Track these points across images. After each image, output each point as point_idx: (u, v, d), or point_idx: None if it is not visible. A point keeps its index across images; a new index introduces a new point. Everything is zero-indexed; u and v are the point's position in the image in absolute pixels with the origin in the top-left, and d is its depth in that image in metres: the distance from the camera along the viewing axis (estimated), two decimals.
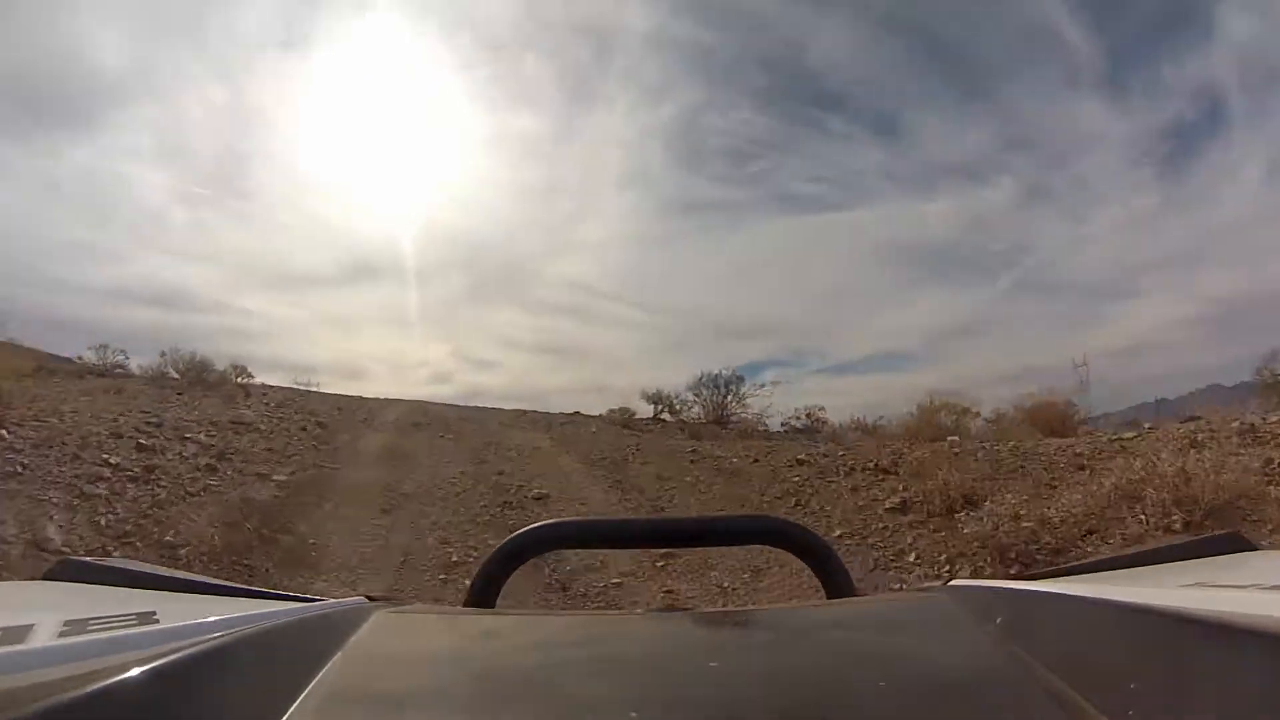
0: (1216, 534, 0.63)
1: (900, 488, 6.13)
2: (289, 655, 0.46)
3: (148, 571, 0.68)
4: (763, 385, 11.86)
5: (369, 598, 0.69)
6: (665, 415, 11.99)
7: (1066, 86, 22.69)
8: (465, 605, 0.82)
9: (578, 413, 11.88)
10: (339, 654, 0.46)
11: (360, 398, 12.29)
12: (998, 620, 0.49)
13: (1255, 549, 0.61)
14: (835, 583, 0.84)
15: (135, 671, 0.35)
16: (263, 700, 0.38)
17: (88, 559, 0.68)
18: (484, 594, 0.83)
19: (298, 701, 0.39)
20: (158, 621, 0.48)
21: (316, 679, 0.42)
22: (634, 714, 0.37)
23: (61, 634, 0.41)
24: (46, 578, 0.64)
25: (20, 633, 0.40)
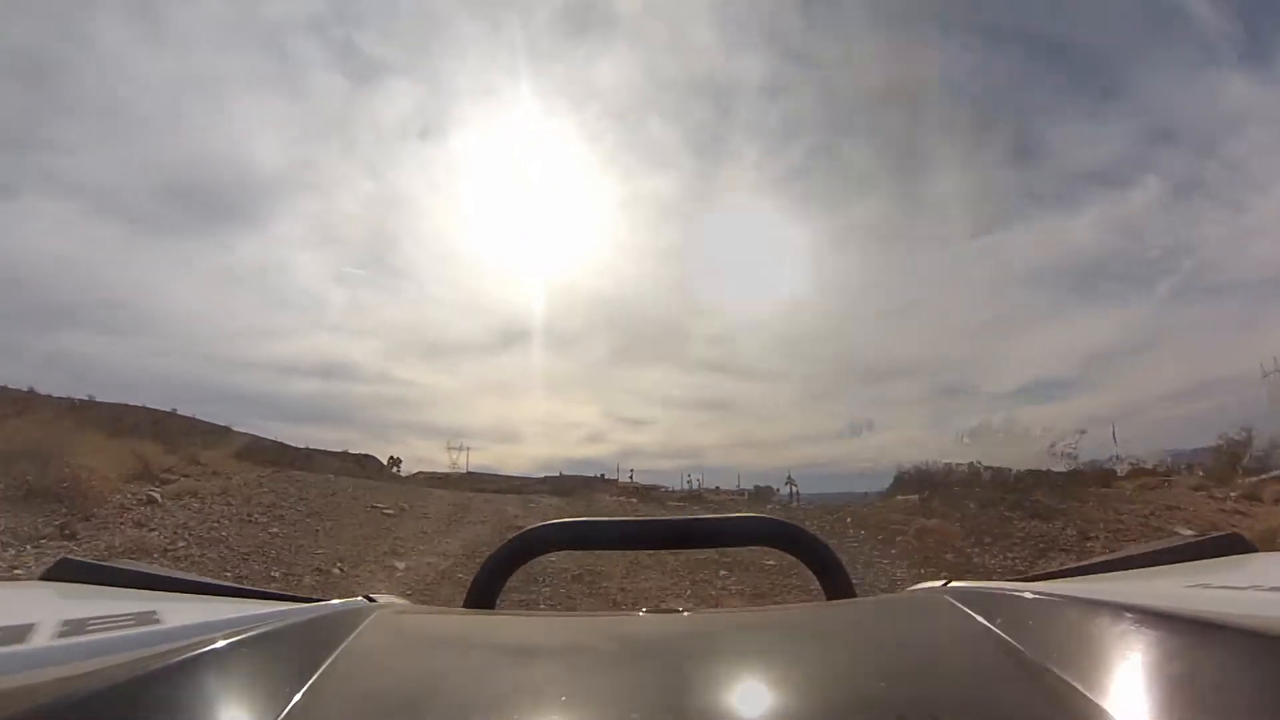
0: (1217, 535, 0.63)
1: None
2: (288, 655, 0.46)
3: (147, 572, 0.68)
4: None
5: (369, 598, 0.69)
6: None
7: (1201, 65, 20.67)
8: (465, 606, 0.82)
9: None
10: (338, 654, 0.46)
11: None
12: (997, 622, 0.49)
13: (1255, 550, 0.61)
14: (835, 584, 0.83)
15: (134, 672, 0.35)
16: (262, 700, 0.38)
17: (87, 559, 0.67)
18: (484, 595, 0.83)
19: (297, 701, 0.38)
20: (157, 622, 0.47)
21: (316, 679, 0.41)
22: (634, 715, 0.37)
23: (60, 634, 0.41)
24: (45, 578, 0.64)
25: (19, 633, 0.40)
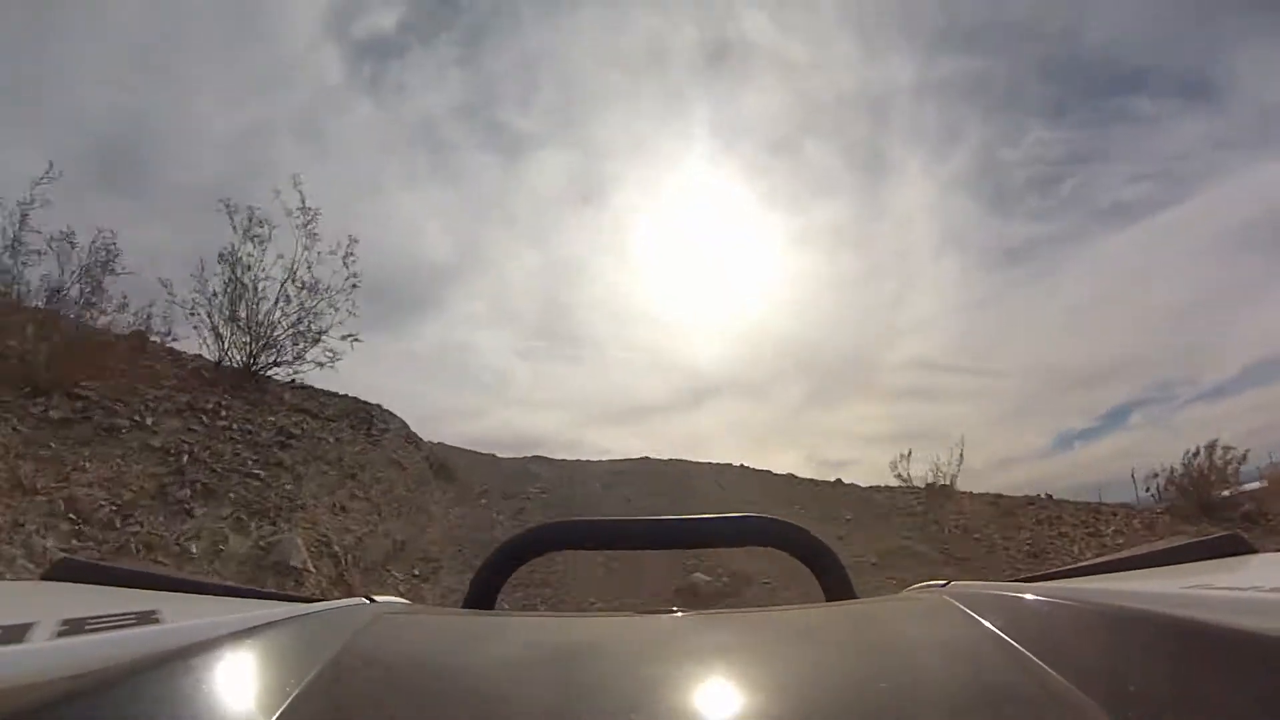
0: (1217, 535, 0.63)
1: None
2: (287, 655, 0.46)
3: (147, 571, 0.66)
4: None
5: (369, 598, 0.69)
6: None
7: None
8: (464, 606, 0.82)
9: None
10: (337, 654, 0.46)
11: None
12: (997, 623, 0.49)
13: (1255, 551, 0.61)
14: (835, 585, 0.83)
15: (133, 671, 0.35)
16: (260, 700, 0.38)
17: (87, 559, 0.68)
18: (483, 595, 0.82)
19: (295, 701, 0.38)
20: (157, 621, 0.47)
21: (315, 679, 0.41)
22: (633, 716, 0.37)
23: (60, 634, 0.41)
24: (45, 578, 0.63)
25: (18, 632, 0.40)
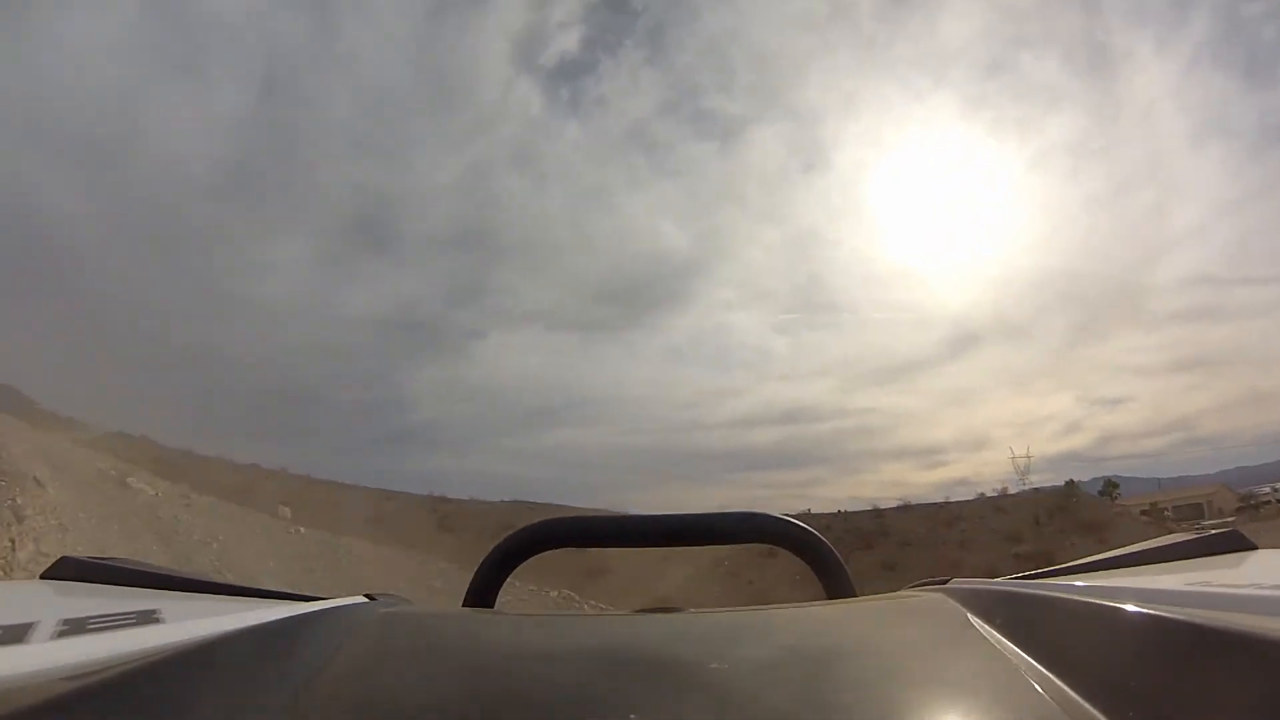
0: (1217, 533, 0.63)
1: None
2: (288, 654, 0.46)
3: (148, 570, 0.67)
4: None
5: (369, 596, 0.69)
6: None
7: None
8: (464, 605, 0.82)
9: None
10: (337, 653, 0.46)
11: None
12: (995, 621, 0.49)
13: (1255, 549, 0.60)
14: (835, 582, 0.83)
15: (134, 670, 0.34)
16: (261, 699, 0.38)
17: (88, 558, 0.67)
18: (483, 594, 0.82)
19: (296, 700, 0.38)
20: (158, 620, 0.47)
21: (315, 678, 0.41)
22: (633, 715, 0.37)
23: (60, 633, 0.41)
24: (46, 576, 0.63)
25: (19, 631, 0.40)
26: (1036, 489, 17.33)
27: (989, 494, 17.35)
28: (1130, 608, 0.41)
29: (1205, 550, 0.61)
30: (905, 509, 17.80)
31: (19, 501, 6.40)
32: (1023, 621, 0.48)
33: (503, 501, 22.55)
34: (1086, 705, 0.35)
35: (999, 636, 0.47)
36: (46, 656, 0.37)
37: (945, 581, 0.68)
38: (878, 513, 18.27)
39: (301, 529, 8.60)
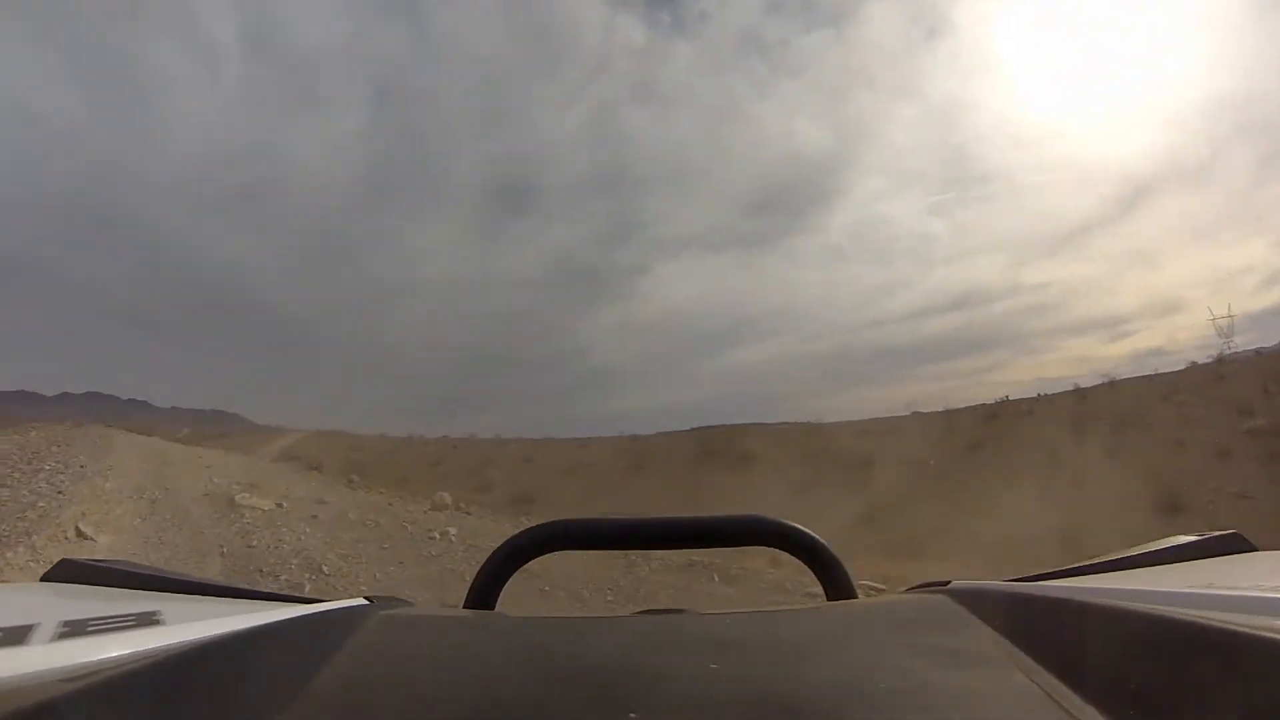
0: (1218, 534, 0.63)
1: None
2: (288, 656, 0.46)
3: (148, 573, 0.68)
4: None
5: (369, 599, 0.69)
6: None
7: None
8: (465, 606, 0.82)
9: None
10: (338, 655, 0.47)
11: None
12: (996, 623, 0.50)
13: (1256, 550, 0.61)
14: (836, 585, 0.83)
15: (133, 672, 0.35)
16: (261, 701, 0.38)
17: (88, 560, 0.67)
18: (484, 595, 0.82)
19: (297, 703, 0.39)
20: (158, 623, 0.47)
21: (315, 680, 0.42)
22: (633, 715, 0.37)
23: (60, 635, 0.41)
24: (46, 579, 0.64)
25: (19, 634, 0.40)
26: (1258, 351, 15.04)
27: (1201, 361, 15.10)
28: (1131, 608, 0.42)
29: (1206, 551, 0.62)
30: (1110, 385, 16.25)
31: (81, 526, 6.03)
32: (1023, 622, 0.49)
33: (689, 429, 22.41)
34: (1087, 706, 0.36)
35: (1000, 637, 0.48)
36: (46, 658, 0.37)
37: (946, 583, 0.69)
38: (1080, 393, 16.51)
39: (451, 533, 7.54)
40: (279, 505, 8.29)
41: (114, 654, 0.38)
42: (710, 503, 14.19)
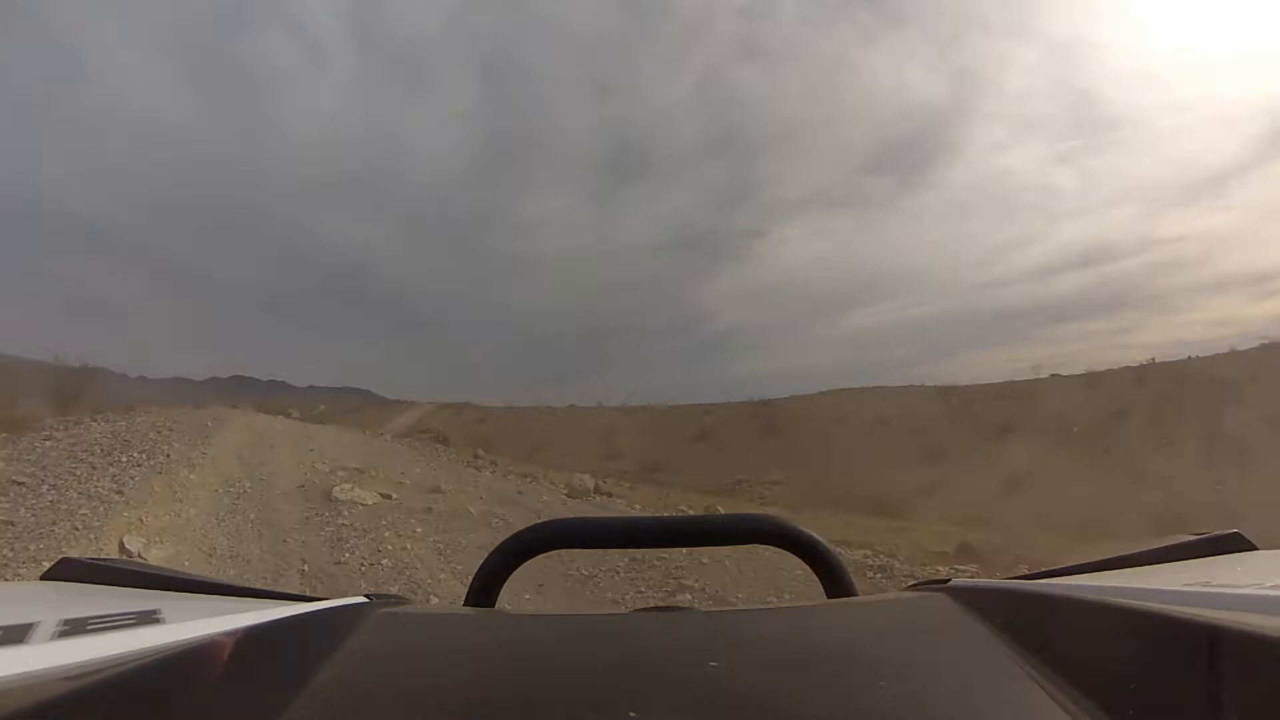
0: (1217, 534, 0.62)
1: None
2: (288, 654, 0.46)
3: (148, 571, 0.67)
4: None
5: (370, 596, 0.68)
6: None
7: None
8: (466, 605, 0.81)
9: None
10: (338, 653, 0.46)
11: None
12: (995, 621, 0.50)
13: (1255, 549, 0.60)
14: (836, 583, 0.82)
15: (133, 671, 0.34)
16: (261, 700, 0.38)
17: (87, 558, 0.66)
18: (484, 593, 0.81)
19: (297, 701, 0.38)
20: (158, 621, 0.47)
21: (316, 678, 0.42)
22: (633, 713, 0.37)
23: (60, 634, 0.40)
24: (46, 577, 0.63)
25: (19, 632, 0.40)
26: None
27: None
28: (1131, 607, 0.41)
29: (1206, 550, 0.61)
30: (1268, 347, 14.95)
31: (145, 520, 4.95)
32: (1022, 621, 0.48)
33: (820, 392, 21.98)
34: (1086, 704, 0.36)
35: (999, 636, 0.47)
36: (46, 657, 0.36)
37: (946, 581, 0.68)
38: (1236, 355, 15.35)
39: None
40: (386, 498, 6.57)
41: (114, 652, 0.38)
42: (843, 469, 13.61)
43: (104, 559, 0.67)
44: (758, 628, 0.59)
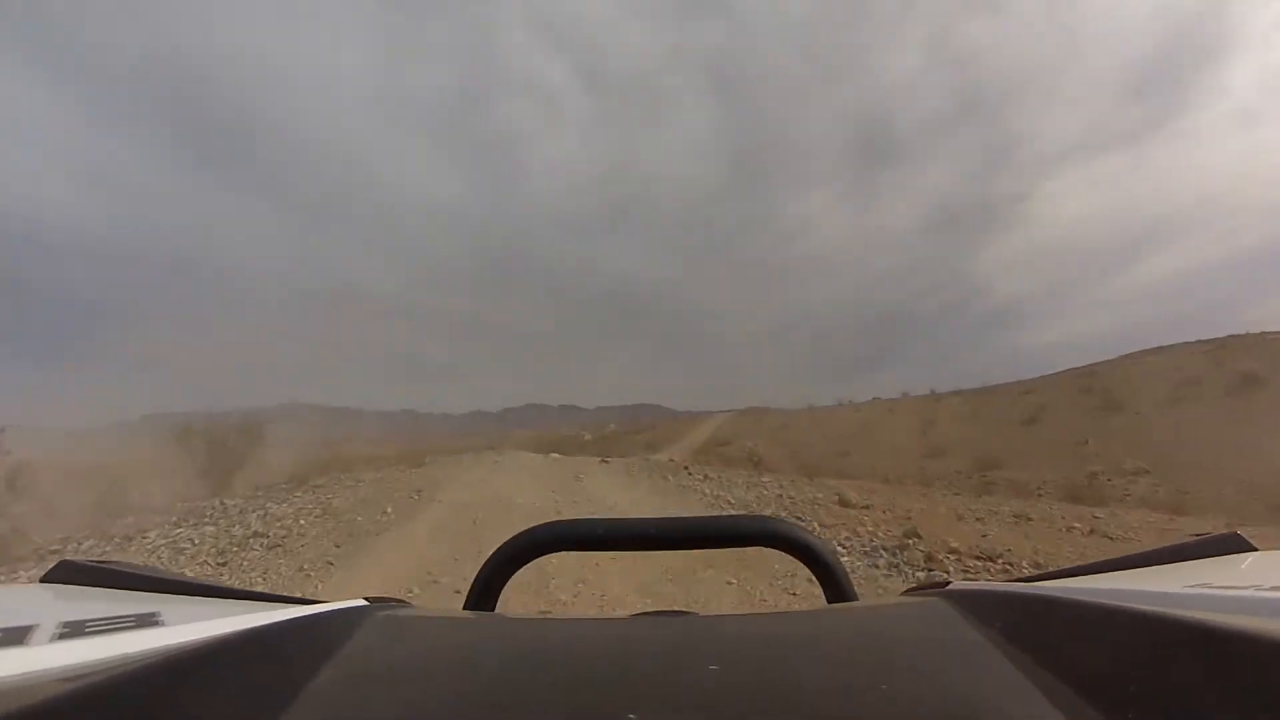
0: (1217, 535, 0.63)
1: None
2: (287, 657, 0.46)
3: (147, 574, 0.68)
4: None
5: (369, 600, 0.69)
6: None
7: None
8: (465, 608, 0.82)
9: None
10: (337, 656, 0.46)
11: None
12: (995, 625, 0.50)
13: (1255, 550, 0.61)
14: (836, 587, 0.83)
15: (132, 673, 0.35)
16: (260, 703, 0.38)
17: (87, 561, 0.67)
18: (484, 596, 0.82)
19: (295, 703, 0.38)
20: (157, 624, 0.47)
21: (314, 681, 0.42)
22: (632, 716, 0.37)
23: (59, 636, 0.41)
24: (45, 580, 0.64)
25: (18, 634, 0.40)
26: None
27: None
28: (1131, 609, 0.42)
29: (1205, 552, 0.62)
30: None
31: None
32: (1022, 624, 0.49)
33: (1142, 351, 19.51)
34: (1086, 707, 0.36)
35: (999, 639, 0.47)
36: (46, 659, 0.37)
37: (945, 584, 0.69)
38: None
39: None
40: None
41: (113, 655, 0.38)
42: (1214, 451, 11.74)
43: (104, 561, 0.68)
44: (757, 632, 0.60)
